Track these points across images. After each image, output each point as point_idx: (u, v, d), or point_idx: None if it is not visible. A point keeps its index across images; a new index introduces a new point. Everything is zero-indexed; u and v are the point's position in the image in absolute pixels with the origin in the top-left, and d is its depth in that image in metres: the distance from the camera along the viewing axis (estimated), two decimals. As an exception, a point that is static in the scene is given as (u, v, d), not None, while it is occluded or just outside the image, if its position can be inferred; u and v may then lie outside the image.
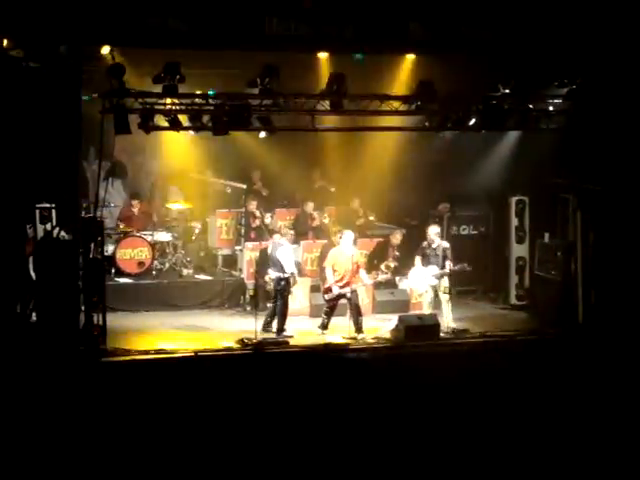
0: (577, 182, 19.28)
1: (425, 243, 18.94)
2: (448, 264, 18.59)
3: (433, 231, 18.93)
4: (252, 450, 12.53)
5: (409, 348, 17.52)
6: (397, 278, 20.02)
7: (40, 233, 17.34)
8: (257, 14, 17.45)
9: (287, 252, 18.39)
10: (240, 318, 18.91)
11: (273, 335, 17.93)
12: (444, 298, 18.59)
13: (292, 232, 18.93)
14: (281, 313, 18.18)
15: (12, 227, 16.52)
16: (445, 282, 18.67)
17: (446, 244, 18.90)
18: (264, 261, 18.68)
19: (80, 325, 16.44)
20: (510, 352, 17.32)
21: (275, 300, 18.31)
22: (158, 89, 16.85)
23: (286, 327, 18.13)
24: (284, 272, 18.17)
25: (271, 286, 18.97)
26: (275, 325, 18.19)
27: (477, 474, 12.09)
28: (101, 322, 16.65)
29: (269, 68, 17.08)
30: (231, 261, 20.71)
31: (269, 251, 18.62)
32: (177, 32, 16.99)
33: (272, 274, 18.30)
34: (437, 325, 18.10)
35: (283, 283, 18.19)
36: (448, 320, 18.43)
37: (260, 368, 16.28)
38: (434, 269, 18.62)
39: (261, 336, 17.61)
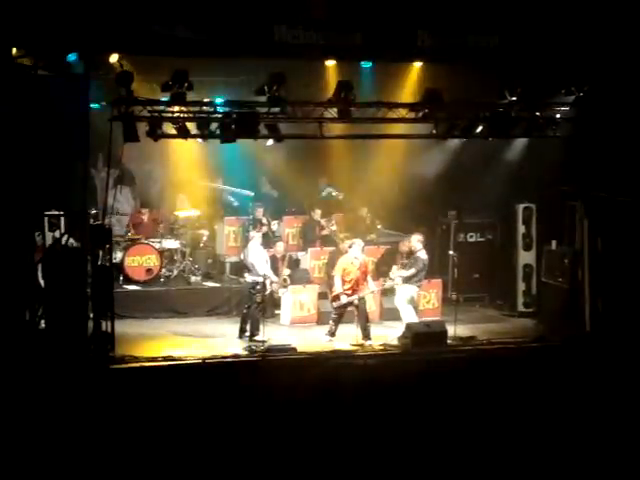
0: (584, 189, 19.30)
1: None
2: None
3: (415, 239, 18.98)
4: (259, 455, 12.55)
5: (416, 355, 17.53)
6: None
7: (49, 241, 17.41)
8: (265, 22, 17.52)
9: (259, 255, 18.45)
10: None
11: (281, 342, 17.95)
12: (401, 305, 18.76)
13: (260, 234, 18.95)
14: (255, 317, 18.14)
15: (21, 235, 16.52)
16: (408, 290, 18.74)
17: (423, 255, 18.82)
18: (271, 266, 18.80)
19: (88, 332, 16.49)
20: (517, 359, 17.32)
21: (249, 305, 18.28)
22: (166, 97, 16.93)
23: (259, 332, 17.99)
24: (259, 275, 18.21)
25: (279, 294, 19.11)
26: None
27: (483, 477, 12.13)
28: (109, 329, 16.70)
29: (277, 76, 17.12)
30: (239, 268, 20.75)
31: (242, 256, 18.67)
32: (185, 40, 17.05)
33: (248, 278, 18.34)
34: (445, 332, 18.09)
35: (259, 287, 18.20)
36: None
37: (267, 375, 16.29)
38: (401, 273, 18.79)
39: (268, 343, 17.66)
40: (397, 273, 18.78)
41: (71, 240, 16.98)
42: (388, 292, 19.94)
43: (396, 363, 17.28)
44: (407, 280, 18.61)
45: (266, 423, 13.57)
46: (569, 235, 19.97)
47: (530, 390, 15.18)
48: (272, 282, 18.75)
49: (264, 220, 20.52)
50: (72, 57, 16.75)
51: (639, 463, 12.39)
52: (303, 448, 12.80)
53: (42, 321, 16.51)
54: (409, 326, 18.12)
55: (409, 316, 18.58)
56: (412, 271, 18.59)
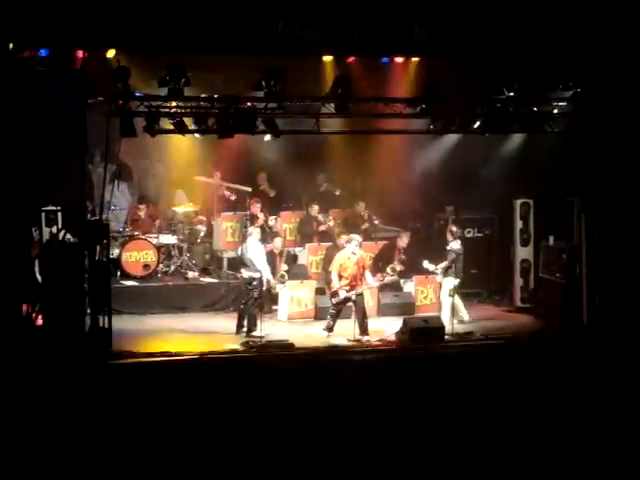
0: (582, 185, 19.29)
1: None
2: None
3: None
4: (256, 452, 12.55)
5: (414, 350, 17.54)
6: (402, 280, 20.13)
7: (46, 236, 17.38)
8: (263, 17, 17.51)
9: (257, 251, 18.47)
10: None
11: (278, 337, 17.95)
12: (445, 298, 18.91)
13: (259, 230, 18.99)
14: (252, 313, 18.14)
15: (18, 230, 16.51)
16: (448, 282, 18.81)
17: (456, 245, 19.04)
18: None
19: (86, 328, 16.47)
20: (514, 355, 17.33)
21: (245, 300, 18.30)
22: (163, 92, 16.92)
23: (257, 327, 18.02)
24: (256, 271, 18.21)
25: (277, 289, 19.10)
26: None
27: (482, 475, 12.12)
28: (107, 325, 16.69)
29: (274, 71, 17.13)
30: (236, 263, 20.73)
31: (239, 252, 18.71)
32: (183, 36, 17.05)
33: (245, 274, 18.36)
34: (442, 327, 18.10)
35: (256, 283, 18.21)
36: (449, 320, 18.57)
37: (264, 370, 16.29)
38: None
39: (265, 339, 17.67)
40: (431, 266, 19.09)
41: (68, 235, 16.95)
42: (386, 287, 19.97)
43: (394, 359, 17.29)
44: (445, 273, 18.80)
45: (263, 419, 13.56)
46: (567, 230, 19.96)
47: (528, 385, 15.17)
48: (268, 280, 18.76)
49: (261, 215, 20.49)
50: (44, 52, 16.71)
51: (636, 456, 12.39)
52: (300, 443, 12.79)
53: (39, 317, 16.50)
54: (407, 321, 18.12)
55: (448, 311, 18.72)
56: (445, 263, 18.85)
